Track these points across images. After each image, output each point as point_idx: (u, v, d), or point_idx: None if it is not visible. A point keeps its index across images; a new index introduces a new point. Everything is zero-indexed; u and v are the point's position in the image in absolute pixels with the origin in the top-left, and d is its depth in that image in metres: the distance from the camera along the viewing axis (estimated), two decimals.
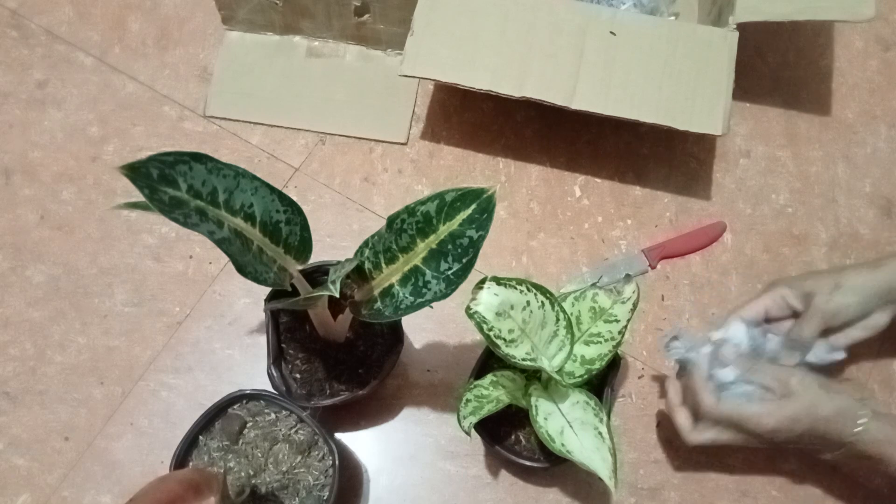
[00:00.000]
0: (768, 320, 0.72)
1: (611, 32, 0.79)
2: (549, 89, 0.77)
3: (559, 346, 0.63)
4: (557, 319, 0.62)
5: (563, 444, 0.62)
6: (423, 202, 0.58)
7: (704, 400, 0.66)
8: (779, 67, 0.93)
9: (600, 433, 0.62)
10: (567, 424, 0.63)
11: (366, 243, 0.62)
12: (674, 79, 0.77)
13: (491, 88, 0.77)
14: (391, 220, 0.60)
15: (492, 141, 0.89)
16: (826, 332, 0.70)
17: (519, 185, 0.87)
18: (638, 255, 0.84)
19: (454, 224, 0.57)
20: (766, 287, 0.73)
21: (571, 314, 0.66)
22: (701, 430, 0.67)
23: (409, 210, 0.58)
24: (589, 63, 0.78)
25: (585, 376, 0.64)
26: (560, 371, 0.64)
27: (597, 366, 0.65)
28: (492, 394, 0.65)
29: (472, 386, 0.65)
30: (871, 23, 0.91)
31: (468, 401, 0.64)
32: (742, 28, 0.78)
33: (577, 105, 0.77)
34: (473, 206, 0.56)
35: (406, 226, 0.59)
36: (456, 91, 0.85)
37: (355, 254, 0.63)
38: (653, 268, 0.84)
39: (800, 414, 0.64)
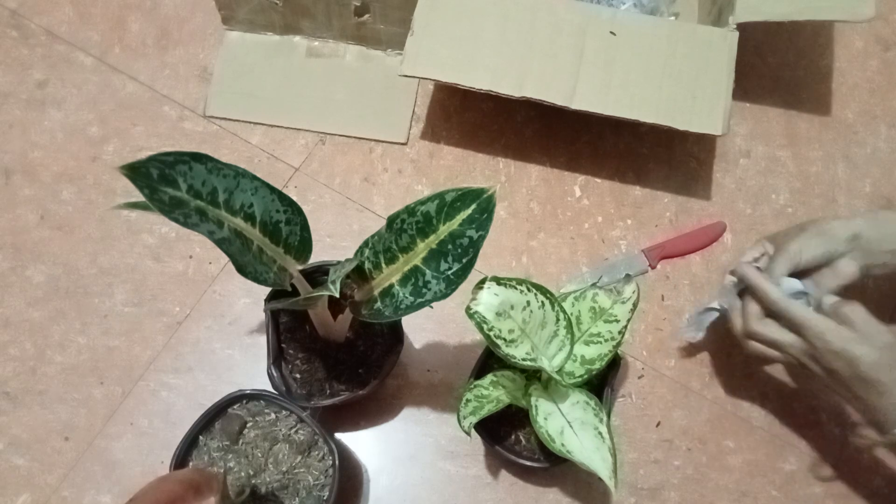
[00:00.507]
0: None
1: (611, 32, 0.79)
2: (549, 89, 0.77)
3: (559, 346, 0.63)
4: (557, 319, 0.62)
5: (563, 444, 0.62)
6: (423, 202, 0.58)
7: (771, 292, 0.65)
8: (779, 67, 0.93)
9: (600, 433, 0.62)
10: (567, 424, 0.63)
11: (366, 243, 0.62)
12: (674, 79, 0.77)
13: (491, 88, 0.77)
14: (391, 220, 0.60)
15: (492, 141, 0.89)
16: (801, 274, 0.69)
17: (519, 185, 0.87)
18: (638, 255, 0.84)
19: (454, 224, 0.57)
20: (754, 243, 0.73)
21: (571, 314, 0.66)
22: (766, 323, 0.66)
23: (409, 210, 0.58)
24: (589, 63, 0.78)
25: (585, 376, 0.64)
26: (560, 371, 0.64)
27: (597, 366, 0.65)
28: (492, 394, 0.65)
29: (472, 386, 0.65)
30: (871, 23, 0.91)
31: (468, 401, 0.64)
32: (742, 28, 0.78)
33: (577, 105, 0.77)
34: (473, 206, 0.56)
35: (406, 226, 0.59)
36: (456, 91, 0.85)
37: (355, 254, 0.62)
38: (653, 268, 0.84)
39: (865, 363, 0.61)
